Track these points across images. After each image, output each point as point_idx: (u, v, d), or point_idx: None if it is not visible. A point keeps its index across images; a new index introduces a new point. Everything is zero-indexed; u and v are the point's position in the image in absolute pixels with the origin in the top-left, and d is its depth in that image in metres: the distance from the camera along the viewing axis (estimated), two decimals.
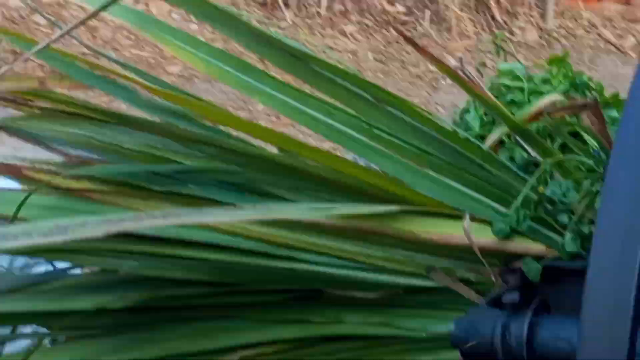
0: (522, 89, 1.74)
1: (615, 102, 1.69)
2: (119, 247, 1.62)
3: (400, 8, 8.82)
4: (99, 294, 1.66)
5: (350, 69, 1.57)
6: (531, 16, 8.95)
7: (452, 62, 1.77)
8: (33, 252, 1.63)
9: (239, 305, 1.67)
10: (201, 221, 1.45)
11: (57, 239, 1.33)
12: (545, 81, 1.76)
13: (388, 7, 8.79)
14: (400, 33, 8.10)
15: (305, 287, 1.64)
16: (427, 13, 8.83)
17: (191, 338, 1.66)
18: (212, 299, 1.67)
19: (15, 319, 1.74)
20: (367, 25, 8.67)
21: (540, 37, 8.88)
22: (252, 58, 1.69)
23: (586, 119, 1.54)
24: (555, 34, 8.99)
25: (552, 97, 1.69)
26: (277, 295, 1.64)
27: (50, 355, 1.73)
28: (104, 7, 1.53)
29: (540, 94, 1.72)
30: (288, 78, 1.55)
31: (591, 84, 1.81)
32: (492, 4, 8.88)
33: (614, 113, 1.66)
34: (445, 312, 1.54)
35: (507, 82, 1.77)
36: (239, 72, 1.56)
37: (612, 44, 8.58)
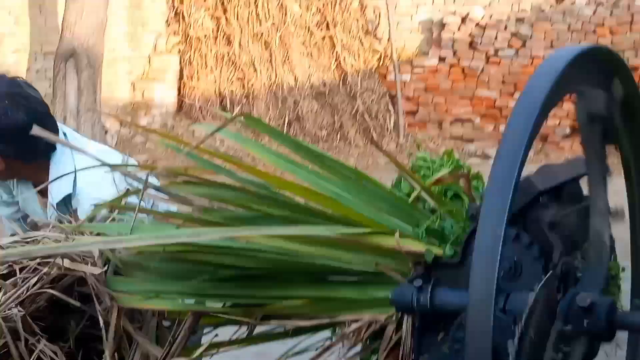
0: (429, 168, 1.86)
1: (476, 177, 1.86)
2: (218, 247, 1.84)
3: (324, 132, 11.45)
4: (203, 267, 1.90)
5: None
6: (391, 137, 11.44)
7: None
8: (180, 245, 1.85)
9: (281, 280, 1.87)
10: (264, 233, 1.77)
11: (195, 240, 1.79)
12: (441, 164, 1.89)
13: (317, 132, 11.42)
14: (372, 140, 11.20)
15: (318, 272, 1.84)
16: (338, 134, 11.44)
17: (252, 293, 1.89)
18: (266, 276, 1.88)
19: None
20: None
21: (396, 147, 11.10)
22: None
23: (462, 184, 1.80)
24: (404, 146, 11.05)
25: (443, 172, 1.84)
26: (302, 276, 1.85)
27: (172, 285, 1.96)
28: (216, 130, 1.93)
29: (438, 170, 1.85)
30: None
31: (464, 167, 1.90)
32: (371, 130, 11.32)
33: (477, 184, 1.86)
34: (390, 286, 1.72)
35: (421, 163, 1.88)
36: (287, 164, 1.87)
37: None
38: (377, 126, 11.37)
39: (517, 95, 10.79)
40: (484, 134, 10.99)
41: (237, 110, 11.48)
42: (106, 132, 10.00)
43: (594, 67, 1.54)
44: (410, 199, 1.79)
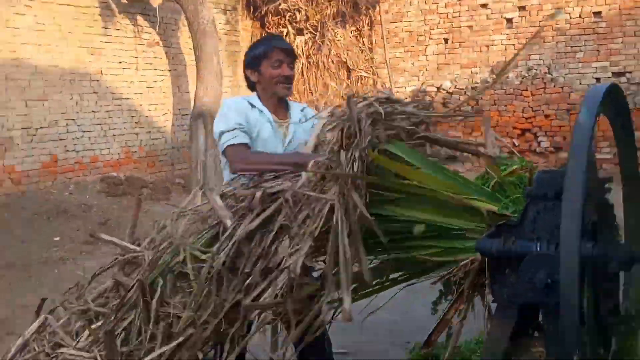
0: (507, 165, 1.76)
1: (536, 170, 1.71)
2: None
3: None
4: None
5: None
6: None
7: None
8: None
9: (423, 237, 1.73)
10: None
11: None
12: (514, 163, 1.77)
13: None
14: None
15: (441, 231, 1.72)
16: None
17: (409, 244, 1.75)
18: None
19: None
20: None
21: None
22: None
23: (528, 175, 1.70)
24: None
25: (513, 167, 1.75)
26: (433, 233, 1.72)
27: None
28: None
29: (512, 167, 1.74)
30: None
31: (529, 164, 1.75)
32: None
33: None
34: (473, 240, 1.68)
35: (500, 162, 1.76)
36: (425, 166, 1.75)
37: None
38: None
39: (474, 134, 10.74)
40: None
41: None
42: (221, 161, 9.99)
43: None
44: (491, 186, 1.72)
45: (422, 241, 1.75)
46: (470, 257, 1.71)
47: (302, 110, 2.61)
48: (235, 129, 2.39)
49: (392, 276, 1.88)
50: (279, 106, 2.55)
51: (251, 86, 2.58)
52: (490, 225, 1.69)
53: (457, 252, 1.72)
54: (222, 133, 2.41)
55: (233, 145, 2.37)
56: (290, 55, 2.53)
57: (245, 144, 2.37)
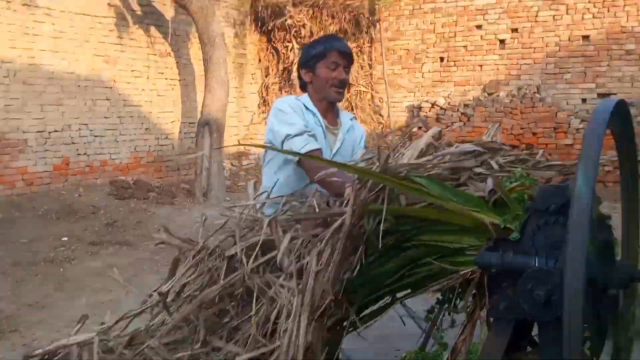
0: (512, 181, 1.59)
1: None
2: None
3: None
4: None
5: None
6: None
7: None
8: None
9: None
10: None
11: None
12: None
13: None
14: None
15: (447, 249, 1.60)
16: None
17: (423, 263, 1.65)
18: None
19: None
20: None
21: None
22: None
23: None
24: None
25: (516, 183, 1.59)
26: (440, 252, 1.61)
27: None
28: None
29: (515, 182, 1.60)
30: None
31: (532, 181, 1.61)
32: None
33: None
34: (475, 254, 1.54)
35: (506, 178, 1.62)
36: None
37: None
38: None
39: None
40: None
41: None
42: (224, 168, 9.91)
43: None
44: (491, 200, 1.55)
45: (426, 261, 1.65)
46: (469, 269, 1.60)
47: (351, 120, 2.44)
48: (304, 132, 2.17)
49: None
50: (329, 110, 2.35)
51: (302, 86, 2.38)
52: (489, 239, 1.59)
53: (458, 265, 1.61)
54: (288, 136, 2.17)
55: (309, 151, 2.12)
56: (348, 58, 2.32)
57: (320, 149, 2.16)
